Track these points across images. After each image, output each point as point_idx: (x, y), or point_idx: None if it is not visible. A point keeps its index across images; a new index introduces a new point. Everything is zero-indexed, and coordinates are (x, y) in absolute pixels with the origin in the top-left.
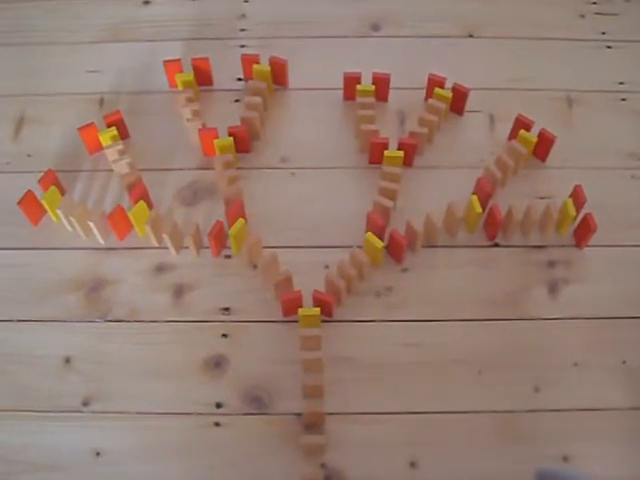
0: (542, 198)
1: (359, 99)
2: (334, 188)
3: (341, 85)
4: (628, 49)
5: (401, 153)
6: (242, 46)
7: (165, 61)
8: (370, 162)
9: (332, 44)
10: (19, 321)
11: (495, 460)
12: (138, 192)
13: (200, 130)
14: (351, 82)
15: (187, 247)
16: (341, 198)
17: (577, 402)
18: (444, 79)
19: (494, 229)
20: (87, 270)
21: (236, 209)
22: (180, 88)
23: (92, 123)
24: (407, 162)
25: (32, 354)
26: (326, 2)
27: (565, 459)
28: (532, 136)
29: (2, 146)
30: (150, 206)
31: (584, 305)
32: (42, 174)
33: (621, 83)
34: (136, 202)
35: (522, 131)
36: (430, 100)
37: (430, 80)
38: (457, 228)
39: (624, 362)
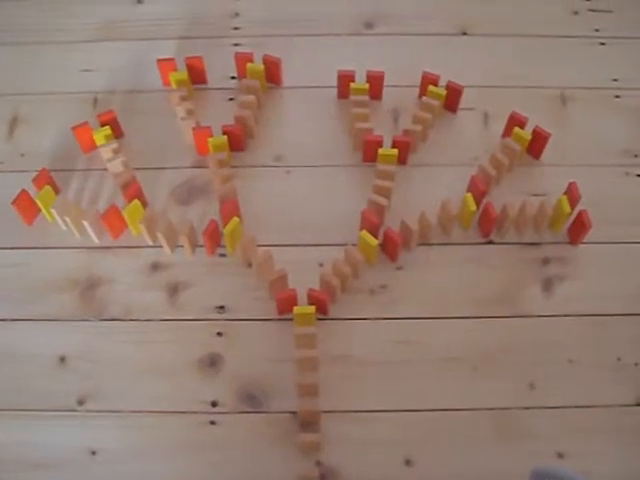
0: (536, 195)
1: (353, 97)
2: (328, 186)
3: (335, 83)
4: (622, 46)
5: (395, 151)
6: (236, 44)
7: (159, 60)
8: (364, 160)
9: (326, 42)
10: (14, 320)
11: (490, 457)
12: (132, 191)
13: (194, 129)
14: (345, 80)
15: (182, 246)
16: (335, 196)
17: (572, 399)
18: (438, 77)
19: (488, 226)
20: (81, 269)
21: (230, 208)
22: (174, 87)
23: (86, 122)
24: (401, 160)
25: (27, 353)
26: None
27: (560, 456)
28: (526, 133)
29: None
30: (144, 205)
31: (579, 302)
32: (36, 173)
33: (615, 80)
34: (130, 201)
35: (516, 128)
36: (424, 98)
37: (424, 78)
38: (451, 226)
39: (619, 359)
